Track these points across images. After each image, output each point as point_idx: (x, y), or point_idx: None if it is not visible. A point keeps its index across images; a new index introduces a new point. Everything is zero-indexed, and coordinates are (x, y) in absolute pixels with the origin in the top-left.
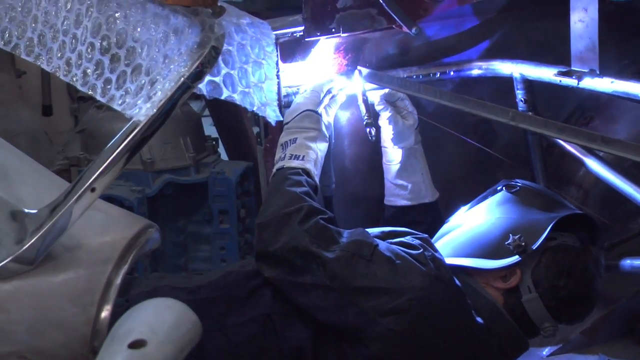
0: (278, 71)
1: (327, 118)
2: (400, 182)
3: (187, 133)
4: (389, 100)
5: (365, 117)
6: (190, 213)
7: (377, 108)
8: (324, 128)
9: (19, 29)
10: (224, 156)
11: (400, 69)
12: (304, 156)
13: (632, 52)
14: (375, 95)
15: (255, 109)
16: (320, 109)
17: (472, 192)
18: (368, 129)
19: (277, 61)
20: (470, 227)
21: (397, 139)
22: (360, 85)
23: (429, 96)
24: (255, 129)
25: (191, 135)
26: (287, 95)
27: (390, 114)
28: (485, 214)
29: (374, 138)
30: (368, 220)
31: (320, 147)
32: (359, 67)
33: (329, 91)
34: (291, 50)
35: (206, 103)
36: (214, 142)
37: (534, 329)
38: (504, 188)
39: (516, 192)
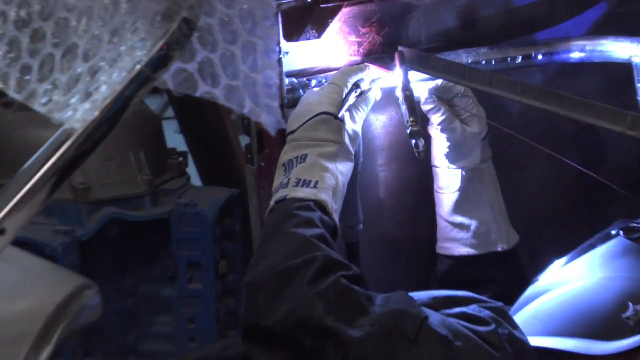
0: (280, 55)
1: (353, 125)
2: (459, 219)
3: (140, 145)
4: (443, 97)
5: (409, 123)
6: (143, 266)
7: (425, 108)
8: (347, 140)
9: None
10: (195, 180)
11: (462, 50)
12: (317, 182)
13: None
14: (424, 90)
15: (245, 110)
16: (343, 112)
17: (570, 237)
18: (413, 141)
19: (279, 40)
20: (568, 292)
21: (454, 155)
22: (401, 76)
23: (505, 91)
24: (245, 140)
25: (146, 147)
26: (293, 89)
27: (444, 117)
28: (591, 271)
29: (422, 155)
30: (412, 279)
31: (342, 169)
32: (400, 49)
33: (355, 85)
34: (299, 22)
35: (170, 100)
36: (180, 159)
37: None
38: (620, 233)
39: (639, 239)
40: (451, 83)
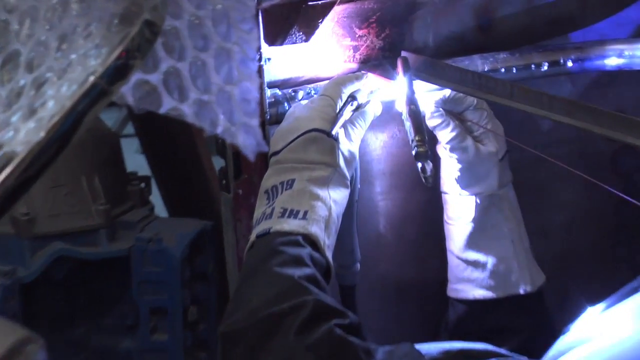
0: (261, 63)
1: (349, 145)
2: (474, 256)
3: (94, 168)
4: (452, 111)
5: (415, 143)
6: (98, 313)
7: (432, 124)
8: (342, 162)
9: None
10: (160, 210)
11: (477, 56)
12: (306, 212)
13: None
14: (429, 102)
15: (219, 130)
16: (337, 129)
17: (608, 279)
18: (419, 164)
19: (260, 45)
20: (609, 347)
21: (467, 179)
22: (405, 86)
23: (529, 105)
24: (219, 163)
25: (102, 172)
26: (277, 102)
27: (454, 134)
28: (635, 321)
29: (430, 180)
30: (419, 328)
31: (336, 197)
32: (403, 54)
33: (351, 97)
34: (284, 23)
35: (130, 115)
36: (142, 185)
37: None
38: None
39: None
40: (461, 93)
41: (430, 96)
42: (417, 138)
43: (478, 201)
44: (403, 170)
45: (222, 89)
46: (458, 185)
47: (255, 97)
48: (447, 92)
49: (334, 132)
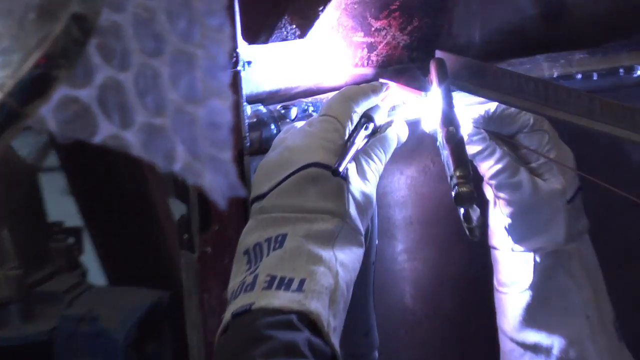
0: (237, 68)
1: (363, 185)
2: (534, 337)
3: (1, 217)
4: (499, 132)
5: (456, 180)
6: None
7: (470, 151)
8: (354, 211)
9: None
10: (96, 275)
11: (542, 56)
12: (303, 281)
13: None
14: (467, 120)
15: (177, 167)
16: (346, 164)
17: None
18: (462, 210)
19: (235, 45)
20: None
21: (522, 230)
22: (441, 101)
23: (615, 125)
24: (179, 210)
25: (13, 221)
26: (260, 123)
27: (501, 166)
28: None
29: (477, 233)
30: None
31: (345, 260)
32: (438, 54)
33: (366, 117)
34: (269, 12)
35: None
36: (71, 240)
37: None
38: None
39: None
40: (515, 110)
41: (469, 112)
42: (458, 173)
43: (538, 260)
44: (438, 218)
45: (182, 109)
46: (510, 238)
47: (228, 119)
48: (491, 105)
49: (341, 168)
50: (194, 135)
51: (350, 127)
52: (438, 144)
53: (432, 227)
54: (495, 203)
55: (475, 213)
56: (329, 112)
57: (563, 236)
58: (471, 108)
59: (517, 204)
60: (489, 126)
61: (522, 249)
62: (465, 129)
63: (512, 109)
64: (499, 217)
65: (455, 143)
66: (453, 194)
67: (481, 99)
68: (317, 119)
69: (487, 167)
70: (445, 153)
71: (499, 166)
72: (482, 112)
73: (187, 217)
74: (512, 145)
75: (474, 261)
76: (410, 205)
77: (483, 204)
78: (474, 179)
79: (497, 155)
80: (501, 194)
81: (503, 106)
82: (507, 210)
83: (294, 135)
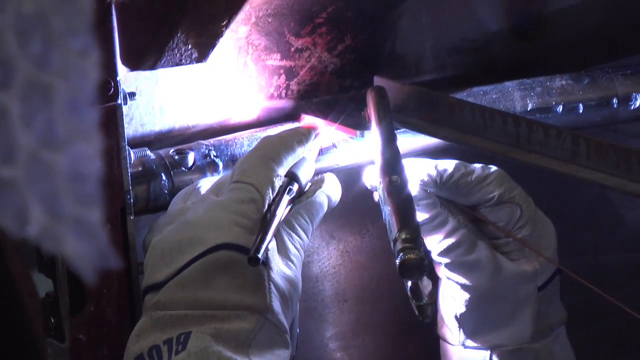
0: (117, 101)
1: (287, 269)
2: None
3: None
4: (454, 201)
5: (400, 244)
6: None
7: (418, 218)
8: (276, 304)
9: None
10: None
11: (514, 83)
12: None
13: None
14: (414, 177)
15: (33, 231)
16: (267, 243)
17: None
18: (408, 283)
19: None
20: None
21: (476, 320)
22: (381, 140)
23: (607, 173)
24: (45, 287)
25: None
26: (147, 172)
27: (453, 240)
28: None
29: (428, 313)
30: None
31: None
32: (377, 81)
33: (289, 177)
34: (159, 28)
35: None
36: None
37: None
38: None
39: None
40: (475, 177)
41: (416, 167)
42: (403, 235)
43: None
44: (379, 294)
45: (36, 157)
46: (461, 331)
47: (95, 168)
48: (446, 165)
49: (260, 253)
50: (53, 189)
51: (270, 195)
52: (378, 198)
53: (371, 306)
54: (446, 286)
55: (425, 287)
56: (244, 177)
57: (529, 332)
58: (420, 163)
59: (472, 289)
60: (442, 192)
61: (476, 344)
62: (411, 189)
63: (472, 177)
64: (449, 303)
65: (400, 197)
66: (397, 262)
67: (431, 141)
68: (228, 186)
69: (436, 242)
70: (388, 210)
71: (450, 240)
72: (434, 172)
73: (54, 295)
74: (475, 217)
75: (425, 352)
76: (344, 278)
77: (436, 276)
78: (425, 245)
79: (449, 226)
80: (453, 276)
81: (461, 170)
82: (460, 295)
83: (197, 206)
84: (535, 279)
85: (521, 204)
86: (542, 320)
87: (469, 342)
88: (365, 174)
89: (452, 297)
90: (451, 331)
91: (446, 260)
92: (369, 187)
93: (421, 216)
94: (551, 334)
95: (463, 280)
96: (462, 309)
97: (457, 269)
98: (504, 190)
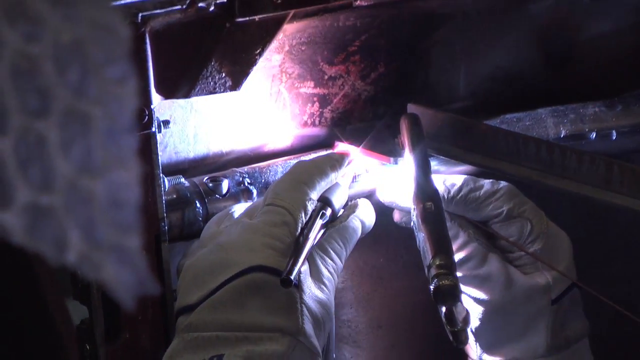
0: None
1: (320, 293)
2: None
3: None
4: (464, 215)
5: (434, 269)
6: None
7: (458, 251)
8: (309, 326)
9: None
10: None
11: (547, 110)
12: None
13: None
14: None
15: (72, 258)
16: (299, 266)
17: None
18: (443, 309)
19: (149, 100)
20: None
21: (491, 333)
22: (415, 168)
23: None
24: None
25: None
26: (182, 200)
27: (465, 252)
28: None
29: (462, 338)
30: None
31: None
32: (410, 109)
33: (322, 202)
34: (193, 56)
35: None
36: None
37: None
38: None
39: None
40: (483, 193)
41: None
42: (438, 262)
43: None
44: (413, 320)
45: (75, 184)
46: (477, 345)
47: (136, 195)
48: (455, 180)
49: (293, 275)
50: (92, 216)
51: (303, 218)
52: (412, 224)
53: (405, 332)
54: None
55: (460, 313)
56: (277, 200)
57: (544, 345)
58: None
59: (485, 303)
60: (450, 208)
61: (493, 358)
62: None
63: (480, 192)
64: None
65: (434, 223)
66: (431, 288)
67: (468, 167)
68: (261, 209)
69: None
70: (422, 236)
71: (462, 254)
72: (442, 187)
73: (89, 322)
74: (488, 233)
75: None
76: (378, 305)
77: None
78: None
79: (460, 240)
80: (466, 289)
81: (470, 185)
82: (475, 309)
83: (230, 229)
84: (549, 292)
85: (531, 218)
86: (558, 334)
87: (486, 356)
88: (395, 197)
89: (470, 312)
90: (470, 346)
91: (458, 274)
92: (399, 209)
93: (466, 242)
94: (569, 347)
95: (476, 294)
96: (477, 323)
97: (469, 283)
98: (514, 205)
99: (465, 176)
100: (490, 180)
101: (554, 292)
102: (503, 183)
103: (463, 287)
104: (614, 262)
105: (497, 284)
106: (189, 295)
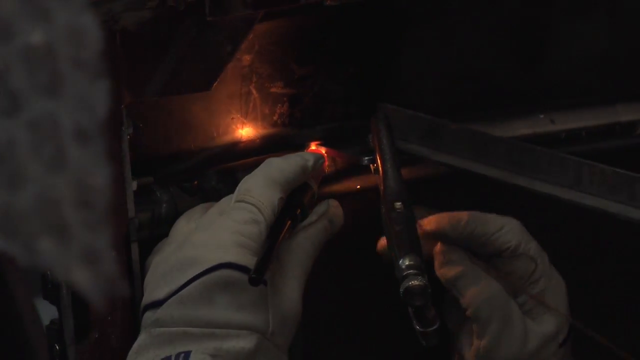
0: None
1: (289, 291)
2: None
3: None
4: (474, 250)
5: (404, 270)
6: None
7: (451, 273)
8: (277, 324)
9: None
10: None
11: (514, 110)
12: None
13: None
14: (433, 228)
15: (42, 258)
16: (268, 266)
17: None
18: (411, 308)
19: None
20: None
21: None
22: (383, 166)
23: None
24: (49, 314)
25: None
26: (152, 200)
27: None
28: None
29: (431, 339)
30: None
31: None
32: (380, 106)
33: (294, 202)
34: (164, 54)
35: None
36: None
37: None
38: None
39: None
40: (491, 227)
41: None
42: (407, 262)
43: None
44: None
45: (44, 185)
46: None
47: (105, 196)
48: (460, 217)
49: (262, 273)
50: (61, 216)
51: (273, 216)
52: (383, 223)
53: (380, 330)
54: (467, 350)
55: (429, 312)
56: (248, 197)
57: None
58: (434, 217)
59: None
60: (457, 242)
61: None
62: (431, 243)
63: (488, 227)
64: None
65: (403, 224)
66: (401, 289)
67: (438, 167)
68: (230, 206)
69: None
70: (391, 237)
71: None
72: (447, 224)
73: (58, 322)
74: (498, 269)
75: None
76: (348, 302)
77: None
78: (429, 272)
79: (460, 279)
80: (481, 343)
81: (477, 221)
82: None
83: (199, 226)
84: (558, 338)
85: (536, 257)
86: None
87: None
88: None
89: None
90: None
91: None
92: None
93: (448, 272)
94: None
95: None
96: None
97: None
98: (520, 242)
99: (470, 212)
100: (494, 214)
101: (561, 335)
102: (508, 217)
103: (477, 340)
104: (587, 267)
105: (516, 338)
106: (157, 291)
